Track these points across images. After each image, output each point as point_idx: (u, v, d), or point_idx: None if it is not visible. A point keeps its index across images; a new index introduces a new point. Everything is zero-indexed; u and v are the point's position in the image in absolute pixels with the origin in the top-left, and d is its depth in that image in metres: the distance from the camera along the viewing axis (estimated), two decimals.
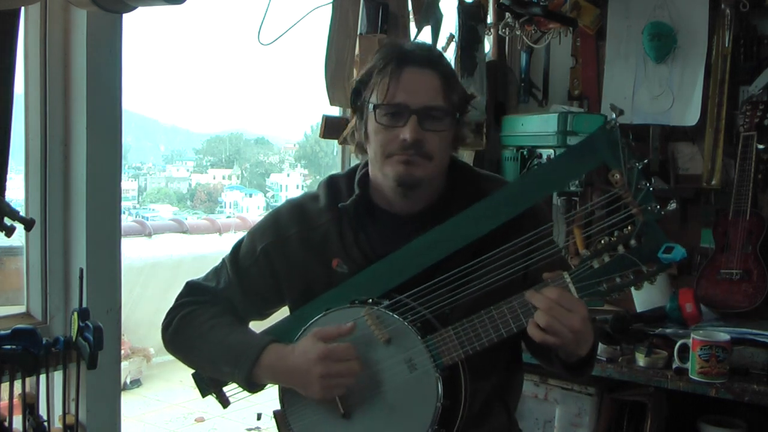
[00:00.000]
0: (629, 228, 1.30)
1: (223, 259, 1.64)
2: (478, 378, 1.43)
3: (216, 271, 1.63)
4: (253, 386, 1.48)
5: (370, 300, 1.43)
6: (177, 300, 1.62)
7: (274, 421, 1.51)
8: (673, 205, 1.33)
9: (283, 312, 1.62)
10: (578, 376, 1.49)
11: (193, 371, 1.61)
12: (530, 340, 1.54)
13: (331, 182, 1.60)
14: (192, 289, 1.63)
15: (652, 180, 1.32)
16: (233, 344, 1.48)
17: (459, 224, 1.45)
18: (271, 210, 1.64)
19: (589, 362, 1.44)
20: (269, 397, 1.57)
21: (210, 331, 1.52)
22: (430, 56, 1.48)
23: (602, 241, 1.32)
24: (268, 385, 1.49)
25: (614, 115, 1.38)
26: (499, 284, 1.37)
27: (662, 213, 1.30)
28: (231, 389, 1.57)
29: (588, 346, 1.38)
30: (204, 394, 1.60)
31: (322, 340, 1.40)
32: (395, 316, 1.39)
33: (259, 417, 1.64)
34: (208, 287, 1.61)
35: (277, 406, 1.51)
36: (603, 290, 1.32)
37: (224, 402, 1.59)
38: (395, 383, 1.39)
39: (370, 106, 1.47)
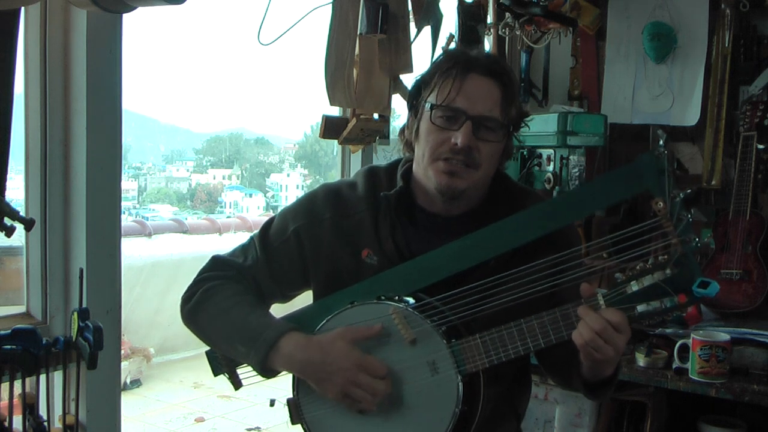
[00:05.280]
0: (665, 257, 1.29)
1: (252, 237, 1.61)
2: (492, 385, 1.42)
3: (243, 248, 1.60)
4: (266, 371, 1.45)
5: (396, 298, 1.42)
6: (200, 273, 1.58)
7: (286, 408, 1.49)
8: (709, 239, 1.32)
9: (306, 297, 1.60)
10: (598, 397, 1.48)
11: (207, 349, 1.58)
12: (548, 359, 1.54)
13: (371, 172, 1.58)
14: (217, 263, 1.59)
15: (693, 211, 1.31)
16: (253, 324, 1.46)
17: (494, 234, 1.44)
18: (305, 193, 1.63)
19: (612, 383, 1.43)
20: (280, 386, 1.56)
21: (232, 307, 1.49)
22: (495, 66, 1.48)
23: (637, 267, 1.30)
24: (282, 372, 1.47)
25: (661, 142, 1.38)
26: (526, 299, 1.35)
27: (699, 245, 1.29)
28: (244, 372, 1.55)
29: (613, 367, 1.38)
30: (216, 373, 1.58)
31: (353, 341, 1.39)
32: (422, 317, 1.38)
33: (272, 403, 1.62)
34: (235, 262, 1.58)
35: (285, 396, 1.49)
36: (634, 315, 1.31)
37: (236, 383, 1.57)
38: (415, 384, 1.39)
39: (428, 105, 1.47)
